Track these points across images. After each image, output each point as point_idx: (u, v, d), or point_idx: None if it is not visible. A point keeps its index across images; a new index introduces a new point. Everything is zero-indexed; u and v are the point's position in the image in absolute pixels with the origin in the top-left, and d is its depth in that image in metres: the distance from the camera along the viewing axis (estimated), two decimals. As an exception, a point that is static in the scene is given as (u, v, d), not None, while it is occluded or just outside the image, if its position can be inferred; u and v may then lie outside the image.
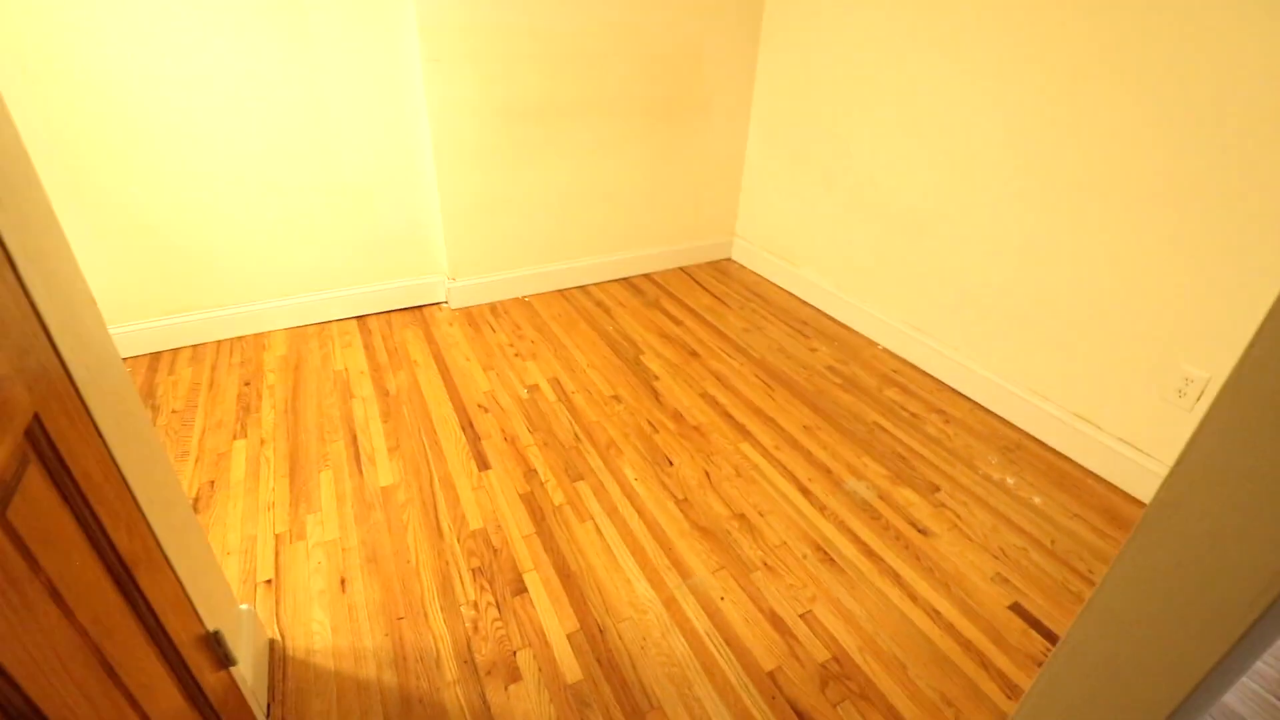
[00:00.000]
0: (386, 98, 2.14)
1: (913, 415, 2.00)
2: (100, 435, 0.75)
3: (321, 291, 2.33)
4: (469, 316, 2.47)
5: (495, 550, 1.47)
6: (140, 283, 2.06)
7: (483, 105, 2.24)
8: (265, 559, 1.44)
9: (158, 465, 0.93)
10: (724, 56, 2.61)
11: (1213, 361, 1.53)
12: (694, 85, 2.61)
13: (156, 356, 2.15)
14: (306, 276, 2.28)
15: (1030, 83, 1.74)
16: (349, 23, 2.00)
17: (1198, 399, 1.58)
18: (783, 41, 2.54)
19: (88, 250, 1.95)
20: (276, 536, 1.49)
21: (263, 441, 1.78)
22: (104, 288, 2.01)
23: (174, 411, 1.91)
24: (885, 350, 2.35)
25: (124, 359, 2.10)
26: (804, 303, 2.69)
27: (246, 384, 2.03)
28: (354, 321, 2.39)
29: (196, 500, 1.59)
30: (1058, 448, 1.87)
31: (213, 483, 1.65)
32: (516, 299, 2.61)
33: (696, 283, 2.85)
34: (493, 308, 2.54)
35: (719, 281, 2.87)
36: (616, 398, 2.02)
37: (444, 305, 2.53)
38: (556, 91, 2.34)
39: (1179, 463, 0.47)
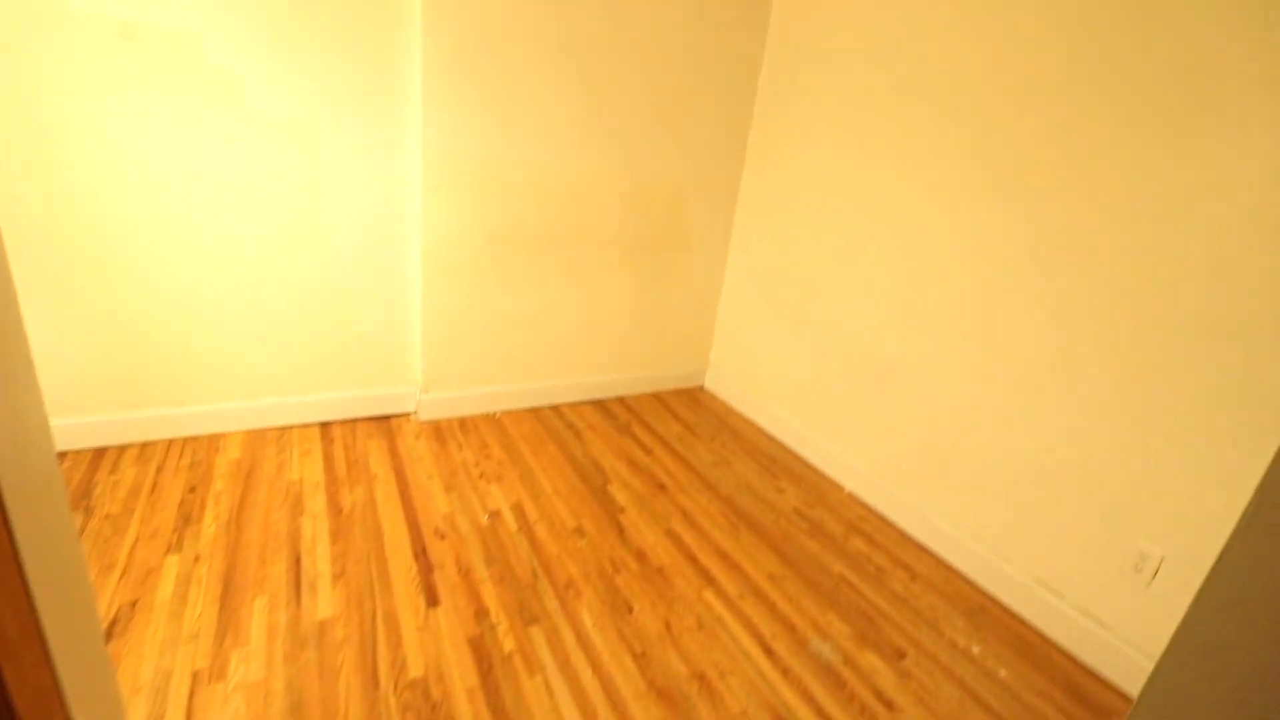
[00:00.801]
0: (381, 215, 2.21)
1: (878, 569, 1.98)
2: (15, 548, 0.69)
3: (287, 395, 2.28)
4: (437, 430, 2.43)
5: (434, 705, 1.36)
6: (96, 374, 2.00)
7: (474, 230, 2.33)
8: (177, 702, 1.30)
9: (77, 588, 0.85)
10: (706, 198, 2.79)
11: (1168, 539, 1.55)
12: (677, 222, 2.76)
13: (101, 452, 2.04)
14: (274, 379, 2.25)
15: (996, 256, 1.88)
16: (356, 144, 2.10)
17: (1154, 576, 1.59)
18: (760, 190, 2.73)
19: (45, 337, 1.90)
20: (194, 674, 1.36)
21: (198, 558, 1.67)
22: (56, 377, 1.95)
23: (108, 516, 1.79)
24: (852, 495, 2.35)
25: (66, 452, 2.00)
26: (773, 439, 2.71)
27: (192, 490, 1.93)
28: (317, 428, 2.33)
29: (113, 624, 1.46)
30: (1021, 614, 1.85)
31: (135, 603, 1.52)
32: (486, 415, 2.59)
33: (669, 410, 2.87)
34: (462, 422, 2.51)
35: (691, 410, 2.90)
36: (580, 531, 1.96)
37: (412, 416, 2.49)
38: (546, 222, 2.45)
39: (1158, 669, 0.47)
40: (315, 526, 1.83)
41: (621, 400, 2.90)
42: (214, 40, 1.83)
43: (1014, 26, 1.76)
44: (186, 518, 1.82)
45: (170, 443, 2.13)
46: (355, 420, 2.42)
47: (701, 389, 3.15)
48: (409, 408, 2.50)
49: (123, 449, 2.07)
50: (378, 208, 2.20)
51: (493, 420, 2.56)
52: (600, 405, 2.82)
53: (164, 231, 1.94)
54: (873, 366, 2.27)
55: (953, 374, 2.00)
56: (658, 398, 2.98)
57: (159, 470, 1.99)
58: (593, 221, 2.56)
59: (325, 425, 2.36)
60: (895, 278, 2.16)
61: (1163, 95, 1.48)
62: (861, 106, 2.23)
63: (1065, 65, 1.65)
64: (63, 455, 2.00)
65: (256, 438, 2.22)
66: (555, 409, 2.73)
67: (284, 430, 2.29)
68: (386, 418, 2.46)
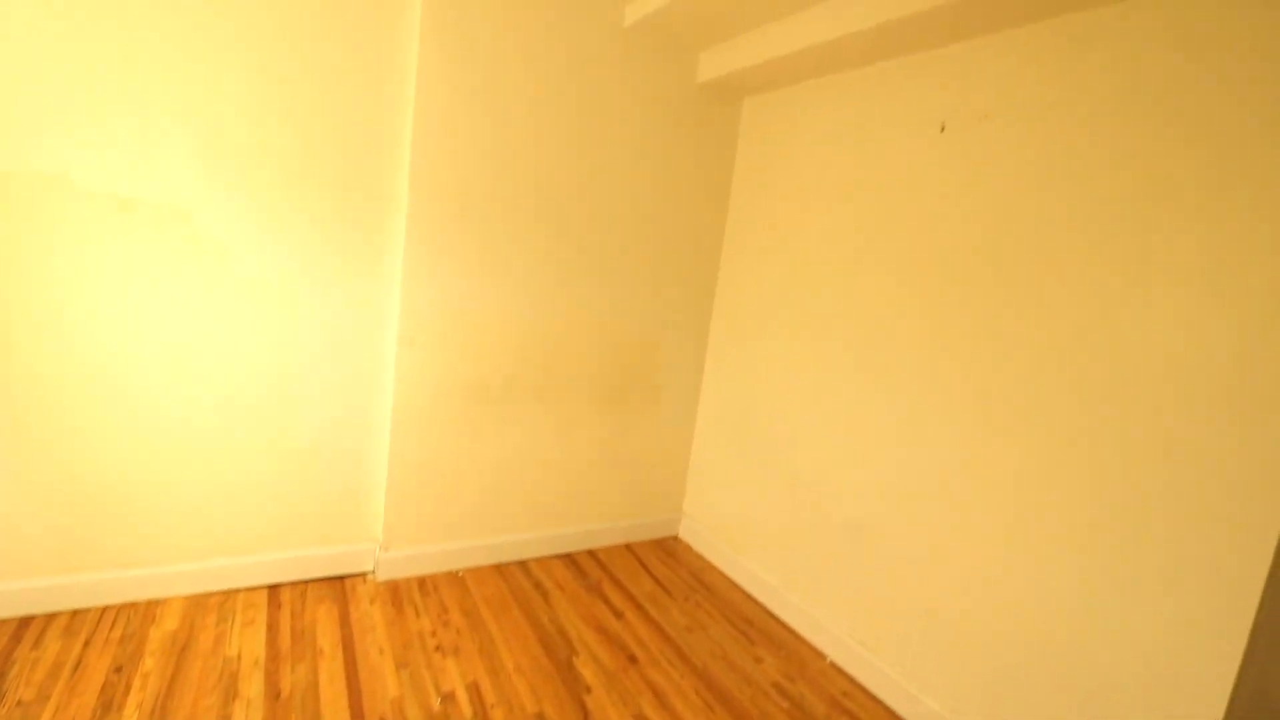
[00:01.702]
0: (353, 370, 2.23)
1: (864, 758, 1.82)
2: None
3: (236, 556, 2.17)
4: (394, 592, 2.29)
5: None
6: (27, 535, 1.89)
7: (448, 382, 2.35)
8: None
9: None
10: (677, 346, 2.87)
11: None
12: (649, 370, 2.82)
13: (27, 622, 1.89)
14: (224, 539, 2.14)
15: (957, 415, 1.91)
16: (333, 302, 2.16)
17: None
18: (728, 339, 2.82)
19: (-10, 503, 1.82)
20: None
21: (109, 759, 1.50)
22: (-8, 544, 1.84)
23: (19, 703, 1.62)
24: (833, 665, 2.22)
25: (-17, 626, 1.84)
26: (749, 597, 2.60)
27: (118, 670, 1.76)
28: (264, 592, 2.20)
29: None
30: (1022, 815, 1.69)
31: (24, 822, 1.33)
32: (449, 573, 2.47)
33: (641, 564, 2.76)
34: (422, 582, 2.38)
35: (665, 563, 2.79)
36: (540, 717, 1.80)
37: (369, 577, 2.36)
38: (520, 373, 2.49)
39: None
40: (248, 716, 1.67)
41: (593, 554, 2.79)
42: (204, 212, 1.93)
43: (957, 203, 1.92)
44: (107, 705, 1.65)
45: (104, 610, 1.98)
46: (307, 582, 2.28)
47: (676, 539, 3.06)
48: (366, 566, 2.38)
49: (51, 618, 1.92)
50: (351, 363, 2.22)
51: (455, 579, 2.44)
52: (570, 560, 2.71)
53: (121, 391, 1.92)
54: (844, 521, 2.24)
55: (924, 534, 1.97)
56: (631, 550, 2.88)
57: (86, 645, 1.84)
58: (566, 371, 2.60)
59: (274, 589, 2.22)
60: (858, 433, 2.18)
61: (1094, 267, 1.59)
62: (818, 273, 2.36)
63: (1010, 233, 1.78)
64: (-20, 628, 1.84)
65: (197, 604, 2.07)
66: (523, 565, 2.61)
67: (228, 595, 2.15)
68: (341, 578, 2.33)
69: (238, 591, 2.17)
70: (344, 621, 2.10)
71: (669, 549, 2.95)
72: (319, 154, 2.05)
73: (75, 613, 1.96)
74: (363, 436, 2.30)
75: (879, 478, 2.12)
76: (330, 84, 2.02)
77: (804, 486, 2.41)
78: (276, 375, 2.11)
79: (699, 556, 2.90)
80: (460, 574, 2.48)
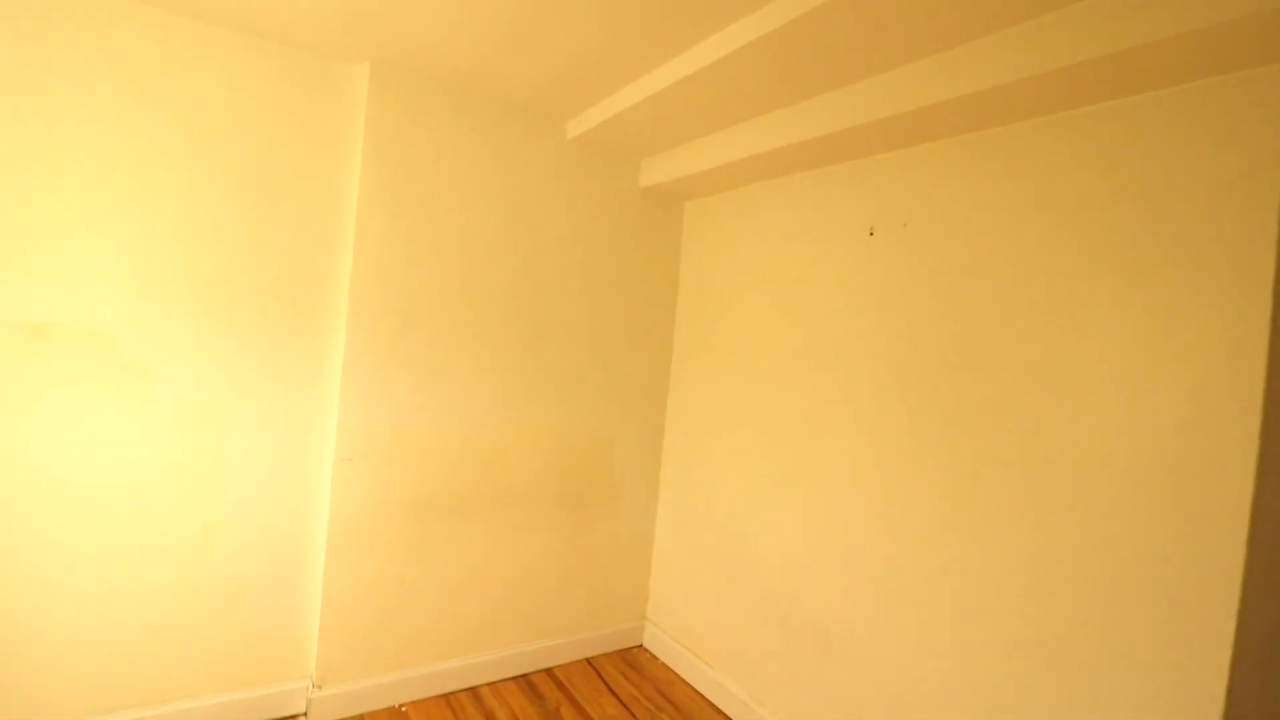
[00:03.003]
0: (285, 491, 2.11)
1: None
2: None
3: (147, 708, 1.95)
4: (328, 737, 2.08)
5: None
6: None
7: (387, 500, 2.23)
8: None
9: None
10: (632, 446, 2.81)
11: None
12: (604, 473, 2.74)
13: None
14: (138, 687, 1.93)
15: (911, 518, 1.88)
16: (265, 423, 2.06)
17: None
18: (683, 436, 2.78)
19: None
20: None
21: None
22: None
23: None
24: (810, 789, 2.06)
25: None
26: (719, 712, 2.43)
27: None
28: (179, 747, 1.97)
29: None
30: None
31: None
32: (391, 708, 2.26)
33: (604, 681, 2.58)
34: (360, 722, 2.17)
35: (628, 678, 2.62)
36: None
37: None
38: (466, 486, 2.39)
39: None
40: None
41: (550, 673, 2.60)
42: (128, 337, 1.85)
43: (887, 301, 1.96)
44: None
45: (-19, 790, 1.73)
46: (230, 731, 2.06)
47: (641, 648, 2.89)
48: (298, 708, 2.16)
49: (-87, 805, 1.66)
50: (283, 486, 2.10)
51: (398, 715, 2.23)
52: (527, 682, 2.52)
53: (24, 527, 1.76)
54: (811, 627, 2.14)
55: (891, 644, 1.89)
56: (592, 665, 2.70)
57: (-47, 836, 1.59)
58: (516, 481, 2.51)
59: (191, 742, 1.99)
60: (816, 532, 2.13)
61: (1008, 370, 1.62)
62: (762, 369, 2.38)
63: (932, 332, 1.82)
64: None
65: (97, 771, 1.84)
66: (474, 692, 2.41)
67: (136, 755, 1.91)
68: (269, 725, 2.11)
69: (146, 751, 1.93)
70: (266, 780, 1.87)
71: (633, 660, 2.77)
72: (253, 271, 2.01)
73: (-53, 794, 1.70)
74: (295, 563, 2.14)
75: (843, 579, 2.06)
76: (267, 201, 2.02)
77: (767, 590, 2.32)
78: (202, 504, 1.98)
79: (665, 667, 2.73)
80: (403, 709, 2.27)
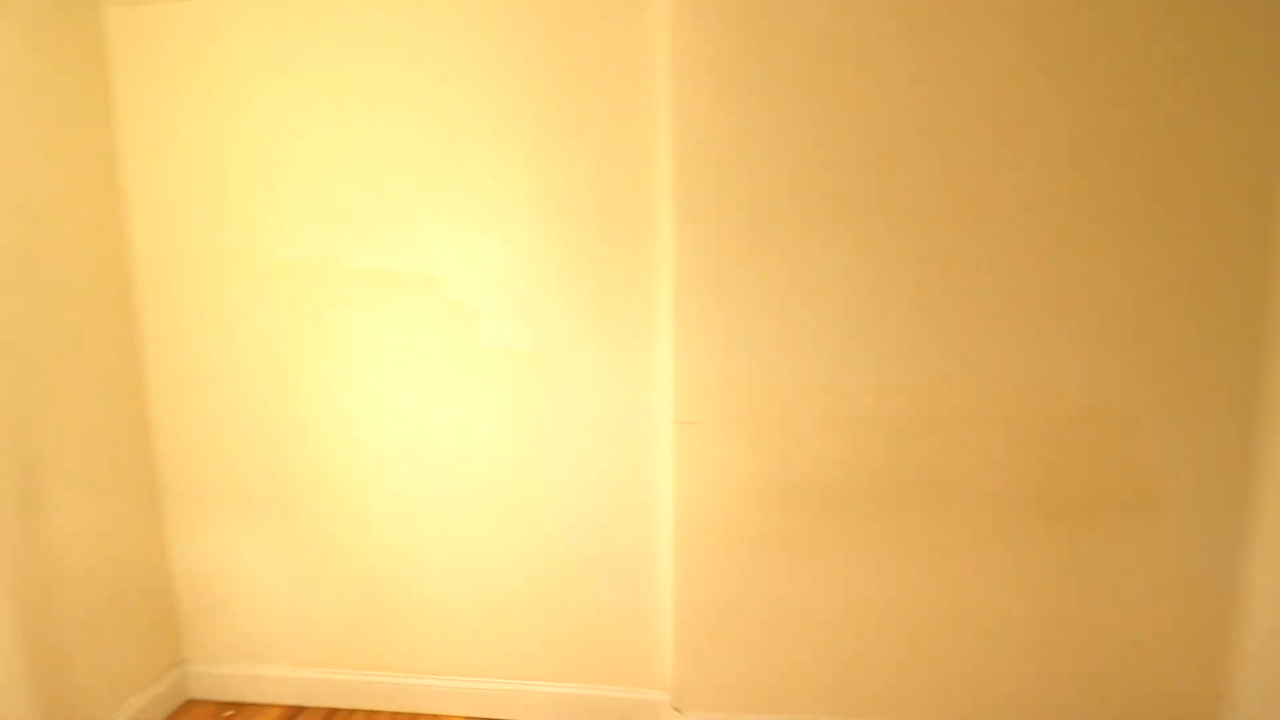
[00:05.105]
0: (619, 461, 1.68)
1: None
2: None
3: (514, 681, 1.81)
4: (682, 781, 1.60)
5: None
6: (331, 627, 1.85)
7: (746, 481, 1.58)
8: None
9: None
10: (1186, 431, 1.47)
11: None
12: (1122, 471, 1.50)
13: (332, 715, 1.85)
14: (500, 659, 1.81)
15: None
16: (592, 374, 1.66)
17: None
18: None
19: (283, 584, 1.83)
20: None
21: None
22: (295, 627, 1.85)
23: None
24: None
25: (303, 708, 1.86)
26: None
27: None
28: (542, 730, 1.78)
29: None
30: None
31: None
32: (768, 765, 1.65)
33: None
34: (725, 772, 1.63)
35: None
36: None
37: (661, 742, 1.74)
38: (854, 469, 1.55)
39: None
40: None
41: (1020, 786, 1.58)
42: (456, 281, 1.66)
43: None
44: None
45: (391, 719, 1.83)
46: (591, 730, 1.79)
47: (1210, 786, 1.56)
48: (658, 726, 1.76)
49: (350, 715, 1.84)
50: (617, 450, 1.68)
51: (774, 778, 1.61)
52: (973, 789, 1.57)
53: (389, 478, 1.76)
54: None
55: None
56: (1103, 793, 1.55)
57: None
58: (943, 465, 1.54)
59: (554, 730, 1.79)
60: None
61: None
62: None
63: None
64: (298, 710, 1.86)
65: (472, 732, 1.78)
66: (885, 778, 1.61)
67: (504, 728, 1.80)
68: (628, 735, 1.76)
69: (515, 725, 1.81)
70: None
71: (1196, 813, 1.49)
72: (560, 189, 1.60)
73: (371, 714, 1.85)
74: (636, 548, 1.71)
75: None
76: (571, 111, 1.57)
77: None
78: (529, 466, 1.70)
79: None
80: (781, 772, 1.64)
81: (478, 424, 1.70)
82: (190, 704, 1.89)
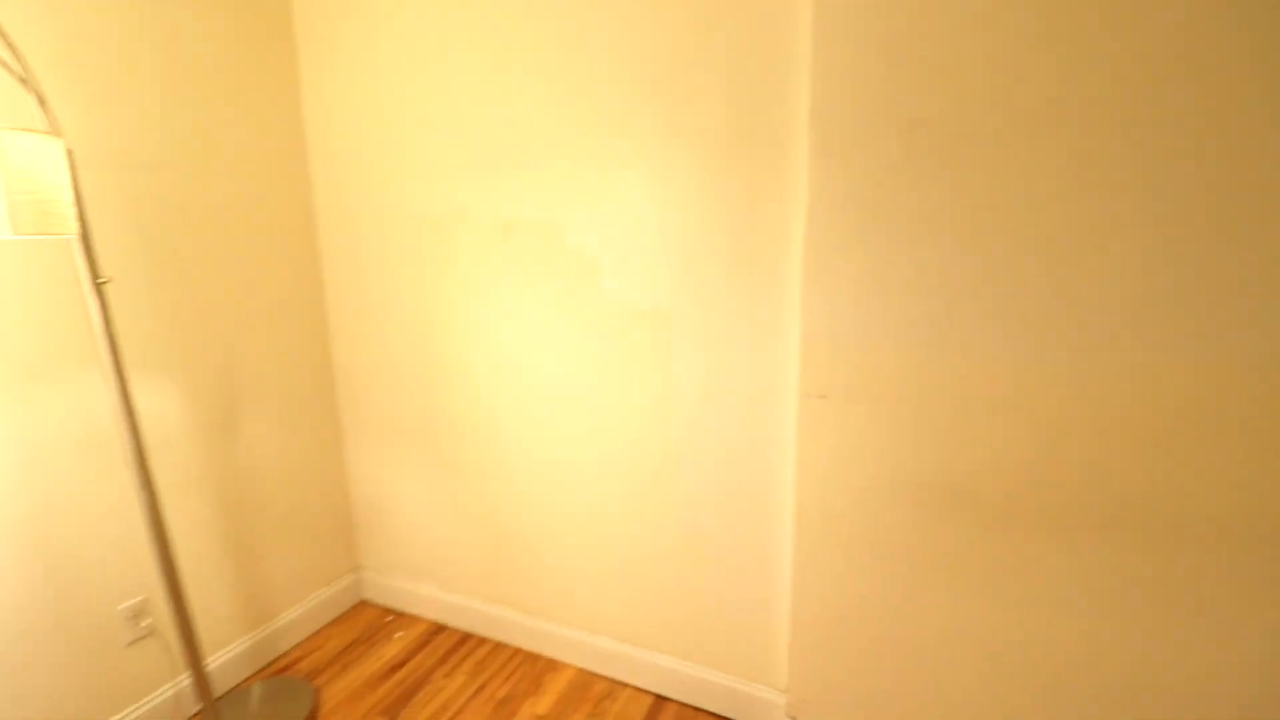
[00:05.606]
0: (738, 433, 1.48)
1: None
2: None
3: (622, 643, 1.75)
4: (785, 794, 1.42)
5: None
6: (470, 557, 1.95)
7: (886, 473, 1.30)
8: None
9: None
10: None
11: None
12: None
13: (465, 639, 1.96)
14: (610, 618, 1.76)
15: None
16: (714, 335, 1.46)
17: None
18: None
19: (428, 513, 1.95)
20: None
21: None
22: (441, 552, 1.98)
23: (409, 730, 1.64)
24: None
25: (444, 626, 2.01)
26: None
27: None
28: (649, 700, 1.71)
29: None
30: None
31: None
32: (891, 802, 1.39)
33: None
34: (837, 798, 1.41)
35: None
36: None
37: (771, 742, 1.56)
38: (1045, 473, 1.17)
39: None
40: None
41: None
42: (573, 228, 1.56)
43: None
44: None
45: (513, 655, 1.89)
46: (697, 711, 1.67)
47: None
48: (768, 725, 1.58)
49: (481, 642, 1.95)
50: (737, 421, 1.48)
51: (896, 822, 1.35)
52: None
53: (519, 423, 1.75)
54: None
55: None
56: None
57: (478, 691, 1.76)
58: (1169, 479, 1.09)
59: (660, 701, 1.71)
60: None
61: None
62: None
63: None
64: (441, 628, 2.02)
65: (581, 686, 1.76)
66: None
67: (614, 687, 1.76)
68: (736, 728, 1.62)
69: (624, 687, 1.76)
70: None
71: None
72: (686, 110, 1.39)
73: (496, 646, 1.93)
74: (755, 531, 1.52)
75: None
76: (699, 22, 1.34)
77: None
78: (655, 429, 1.58)
79: None
80: (906, 817, 1.37)
81: (617, 381, 1.62)
82: (362, 604, 2.16)
